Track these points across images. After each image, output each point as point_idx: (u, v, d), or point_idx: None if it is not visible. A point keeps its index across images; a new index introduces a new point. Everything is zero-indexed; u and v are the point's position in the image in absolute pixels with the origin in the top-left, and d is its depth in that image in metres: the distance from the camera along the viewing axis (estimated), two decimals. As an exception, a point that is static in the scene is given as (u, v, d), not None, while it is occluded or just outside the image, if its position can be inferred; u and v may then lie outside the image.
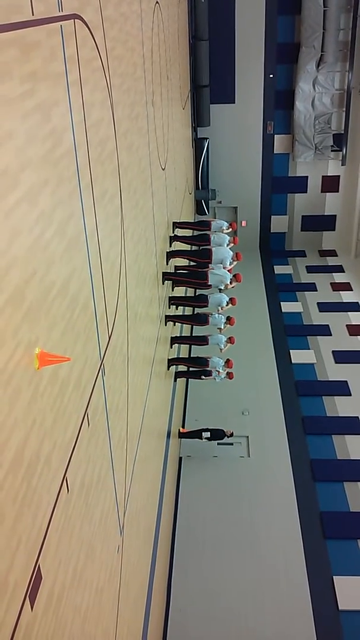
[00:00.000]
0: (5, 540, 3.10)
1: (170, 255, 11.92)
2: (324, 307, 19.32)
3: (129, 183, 7.55)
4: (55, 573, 3.93)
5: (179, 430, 13.36)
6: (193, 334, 14.85)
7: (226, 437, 12.98)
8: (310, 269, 22.10)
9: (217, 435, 12.97)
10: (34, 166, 3.70)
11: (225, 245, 12.62)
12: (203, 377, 12.63)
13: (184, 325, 14.12)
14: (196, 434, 13.14)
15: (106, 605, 5.54)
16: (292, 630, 9.79)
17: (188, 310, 13.67)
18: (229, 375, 12.63)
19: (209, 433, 12.88)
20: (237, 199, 23.16)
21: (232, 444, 13.78)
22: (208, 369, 12.41)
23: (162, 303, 11.06)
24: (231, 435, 13.01)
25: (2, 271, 3.18)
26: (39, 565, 3.57)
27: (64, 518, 4.18)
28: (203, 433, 12.97)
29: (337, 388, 15.36)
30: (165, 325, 11.48)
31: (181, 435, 13.36)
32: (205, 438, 12.94)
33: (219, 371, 12.36)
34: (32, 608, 3.44)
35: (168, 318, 11.65)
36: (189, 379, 14.61)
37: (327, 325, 18.19)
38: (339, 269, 22.00)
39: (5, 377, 3.16)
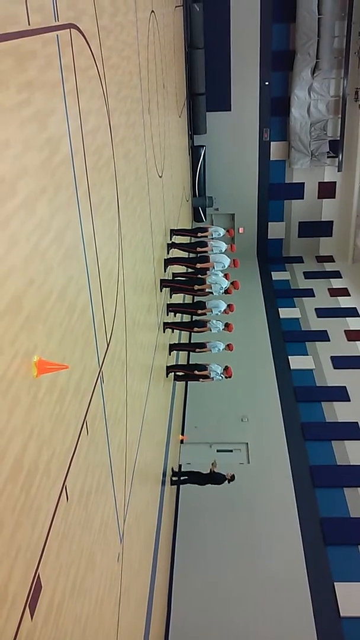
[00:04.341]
0: (5, 549, 3.09)
1: (168, 262, 11.94)
2: (322, 312, 19.33)
3: (126, 190, 7.57)
4: (55, 582, 3.92)
5: (171, 476, 12.27)
6: (191, 341, 14.85)
7: (227, 482, 11.83)
8: (308, 275, 22.14)
9: (217, 479, 11.90)
10: (31, 174, 3.72)
11: (223, 252, 12.66)
12: (201, 380, 12.61)
13: (183, 332, 14.11)
14: (194, 477, 12.20)
15: (106, 614, 5.51)
16: (293, 637, 9.74)
17: (186, 318, 13.66)
18: (227, 372, 12.13)
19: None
20: (234, 206, 23.22)
21: (231, 450, 13.74)
22: (206, 373, 12.37)
23: (160, 310, 11.06)
24: (232, 478, 11.78)
25: (0, 279, 3.19)
26: (38, 574, 3.56)
27: (64, 526, 4.17)
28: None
29: (336, 394, 15.35)
30: (164, 332, 11.48)
31: (176, 478, 12.33)
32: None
33: (214, 378, 12.26)
34: (32, 617, 3.42)
35: (166, 325, 11.65)
36: (188, 382, 14.47)
37: (326, 330, 18.20)
38: (337, 274, 22.03)
39: (3, 385, 3.16)
